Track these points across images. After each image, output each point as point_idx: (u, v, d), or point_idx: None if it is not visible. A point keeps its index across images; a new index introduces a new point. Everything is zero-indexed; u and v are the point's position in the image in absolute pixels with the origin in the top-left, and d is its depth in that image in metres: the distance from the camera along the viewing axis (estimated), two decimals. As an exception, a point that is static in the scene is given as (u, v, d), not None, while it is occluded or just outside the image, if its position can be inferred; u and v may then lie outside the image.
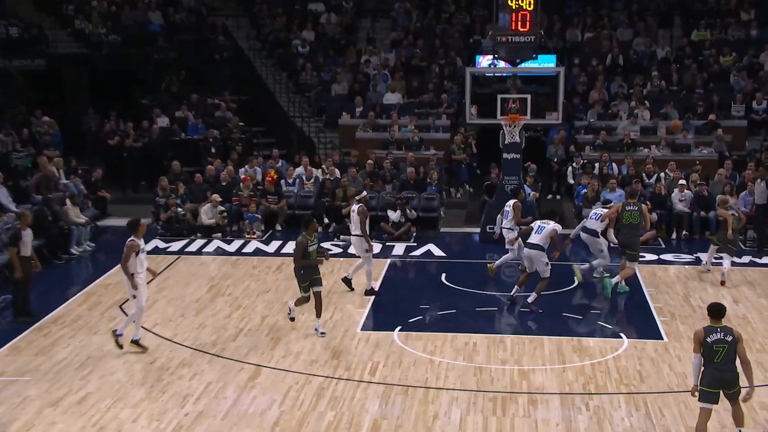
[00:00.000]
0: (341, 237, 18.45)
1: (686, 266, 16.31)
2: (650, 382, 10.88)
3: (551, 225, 13.87)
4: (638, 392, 10.60)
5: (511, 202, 15.48)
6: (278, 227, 19.57)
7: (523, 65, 18.94)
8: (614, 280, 14.51)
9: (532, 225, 14.31)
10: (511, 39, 18.04)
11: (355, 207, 14.51)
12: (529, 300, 13.77)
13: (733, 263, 16.22)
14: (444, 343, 12.36)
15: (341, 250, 17.63)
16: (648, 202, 18.36)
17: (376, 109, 24.32)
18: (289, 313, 12.86)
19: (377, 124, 23.78)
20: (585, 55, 26.58)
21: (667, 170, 20.07)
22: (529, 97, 17.97)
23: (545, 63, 24.30)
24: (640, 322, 13.42)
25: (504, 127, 17.88)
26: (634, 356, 11.78)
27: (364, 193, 15.54)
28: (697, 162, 20.40)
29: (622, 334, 12.62)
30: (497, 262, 15.65)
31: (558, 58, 25.11)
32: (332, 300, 14.33)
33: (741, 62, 25.40)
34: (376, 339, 12.54)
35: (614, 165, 20.72)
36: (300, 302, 12.71)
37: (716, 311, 9.01)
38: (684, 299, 14.27)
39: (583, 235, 15.33)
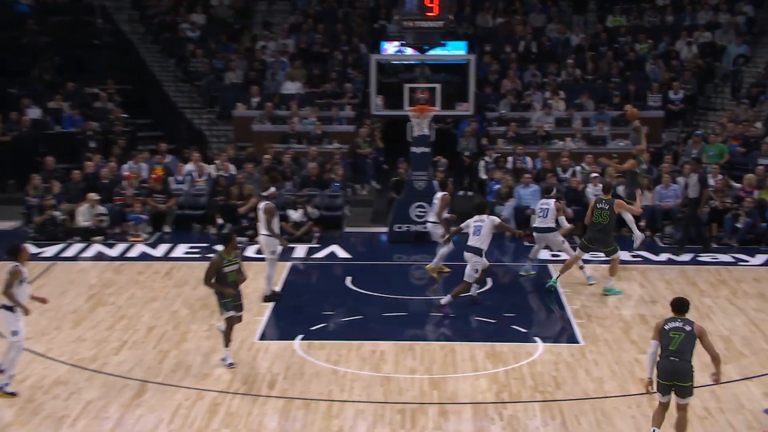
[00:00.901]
0: (237, 239, 18.23)
1: (603, 265, 16.73)
2: (566, 389, 11.12)
3: (487, 220, 14.02)
4: (554, 400, 10.82)
5: (440, 194, 15.59)
6: (167, 229, 19.25)
7: (431, 52, 19.10)
8: (609, 284, 14.76)
9: (462, 226, 14.38)
10: (419, 24, 18.16)
11: (262, 204, 14.46)
12: (442, 302, 13.90)
13: (650, 261, 16.80)
14: (349, 352, 12.36)
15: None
16: (562, 198, 18.81)
17: (274, 100, 24.15)
18: (219, 326, 12.02)
19: (275, 115, 23.63)
20: (497, 42, 27.03)
21: (583, 164, 20.59)
22: (438, 86, 18.15)
23: (455, 50, 24.59)
24: (555, 325, 13.73)
25: (412, 119, 18.01)
26: (549, 361, 12.03)
27: (273, 189, 15.45)
28: (614, 155, 20.98)
29: (537, 338, 12.87)
30: (434, 260, 15.62)
31: (468, 45, 25.46)
32: (227, 308, 14.18)
33: (657, 50, 26.28)
34: (275, 349, 12.46)
35: (528, 159, 21.14)
36: (229, 323, 11.82)
37: (679, 306, 9.42)
38: (601, 300, 14.65)
39: (538, 236, 15.49)
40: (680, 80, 24.78)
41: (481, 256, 13.84)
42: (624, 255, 17.26)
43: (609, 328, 13.22)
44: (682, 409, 9.35)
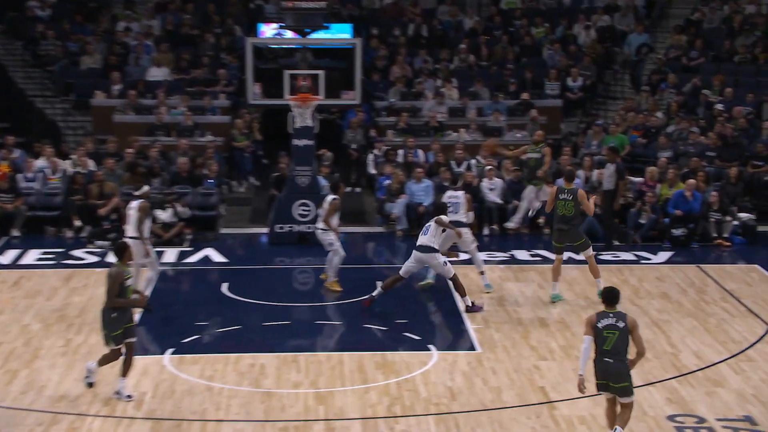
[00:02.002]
0: (97, 243, 17.89)
1: (500, 266, 17.06)
2: (462, 400, 11.27)
3: (433, 219, 14.21)
4: (449, 412, 10.95)
5: (329, 197, 15.38)
6: (15, 233, 18.72)
7: (313, 36, 19.11)
8: (601, 285, 14.75)
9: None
10: (299, 4, 18.14)
11: (135, 203, 14.30)
12: (468, 304, 14.31)
13: (550, 260, 17.21)
14: (226, 366, 12.24)
15: (98, 258, 17.15)
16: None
17: (138, 87, 23.74)
18: (88, 377, 11.24)
19: (140, 105, 23.22)
20: (384, 25, 27.23)
21: (478, 157, 20.93)
22: (321, 73, 18.16)
23: (339, 33, 24.68)
24: (450, 331, 13.91)
25: (293, 109, 17.96)
26: (444, 371, 12.17)
27: (146, 187, 15.16)
28: (511, 147, 21.41)
29: (431, 346, 13.00)
30: (330, 273, 15.39)
31: (354, 29, 25.57)
32: (86, 319, 13.88)
33: (554, 34, 26.96)
34: (142, 365, 12.22)
35: (420, 151, 21.37)
36: (106, 360, 11.20)
37: (610, 297, 9.72)
38: (498, 303, 14.93)
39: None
40: (579, 66, 25.48)
41: (436, 251, 14.20)
42: (522, 254, 17.72)
43: (507, 334, 13.48)
44: (624, 406, 9.76)
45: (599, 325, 9.62)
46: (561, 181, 15.50)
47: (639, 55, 26.15)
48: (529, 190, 18.67)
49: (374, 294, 14.48)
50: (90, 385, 11.24)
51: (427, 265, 14.63)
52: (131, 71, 24.77)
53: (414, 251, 14.44)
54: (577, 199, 14.55)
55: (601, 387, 9.71)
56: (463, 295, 14.40)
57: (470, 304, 14.32)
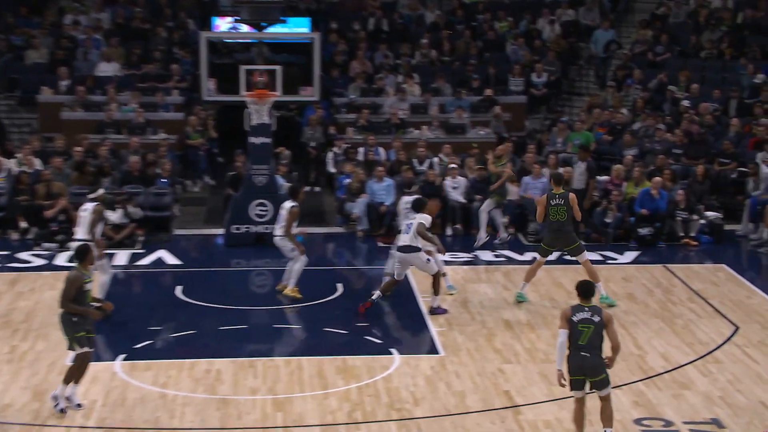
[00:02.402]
0: (44, 245, 17.74)
1: (464, 266, 17.13)
2: (425, 405, 11.30)
3: (417, 218, 14.13)
4: (412, 418, 10.97)
5: (288, 204, 14.97)
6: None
7: (270, 30, 19.07)
8: (603, 292, 14.76)
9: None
10: (255, -3, 18.12)
11: (89, 206, 14.20)
12: (434, 305, 14.29)
13: (515, 261, 17.33)
14: (180, 372, 12.18)
15: (45, 261, 17.04)
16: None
17: (87, 83, 23.57)
18: (57, 405, 10.88)
19: (89, 101, 23.07)
20: (344, 19, 27.24)
21: (440, 155, 20.99)
22: (278, 68, 18.11)
23: (297, 27, 24.64)
24: (413, 334, 13.93)
25: (249, 106, 17.89)
26: (407, 375, 12.20)
27: (102, 190, 15.00)
28: (474, 144, 21.52)
29: (393, 350, 13.02)
30: (290, 282, 15.12)
31: (312, 22, 25.55)
32: (32, 325, 13.79)
33: (517, 28, 27.12)
34: (92, 372, 12.08)
35: (381, 149, 21.39)
36: (73, 373, 11.01)
37: (585, 290, 9.89)
38: (462, 305, 14.97)
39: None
40: (543, 62, 25.65)
41: (418, 250, 14.20)
42: (486, 255, 17.79)
43: (471, 337, 13.53)
44: (604, 399, 9.91)
45: (574, 318, 9.75)
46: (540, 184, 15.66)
47: (607, 52, 26.31)
48: (487, 204, 18.63)
49: (373, 298, 14.39)
50: (61, 411, 10.86)
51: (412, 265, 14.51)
52: (79, 66, 24.57)
53: (396, 252, 14.40)
54: (569, 203, 14.49)
55: (575, 384, 9.82)
56: (436, 294, 14.42)
57: (436, 306, 14.35)
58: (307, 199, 21.31)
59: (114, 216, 18.02)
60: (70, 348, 11.02)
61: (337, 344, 13.45)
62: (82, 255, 11.16)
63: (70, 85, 23.48)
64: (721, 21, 26.39)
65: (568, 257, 17.54)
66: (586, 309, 9.80)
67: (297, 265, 15.01)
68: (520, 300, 14.95)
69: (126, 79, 24.20)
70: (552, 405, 11.29)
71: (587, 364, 9.73)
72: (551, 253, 15.20)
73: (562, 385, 9.87)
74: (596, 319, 9.75)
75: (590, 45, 26.81)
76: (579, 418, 9.96)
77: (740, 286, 16.16)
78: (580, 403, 9.92)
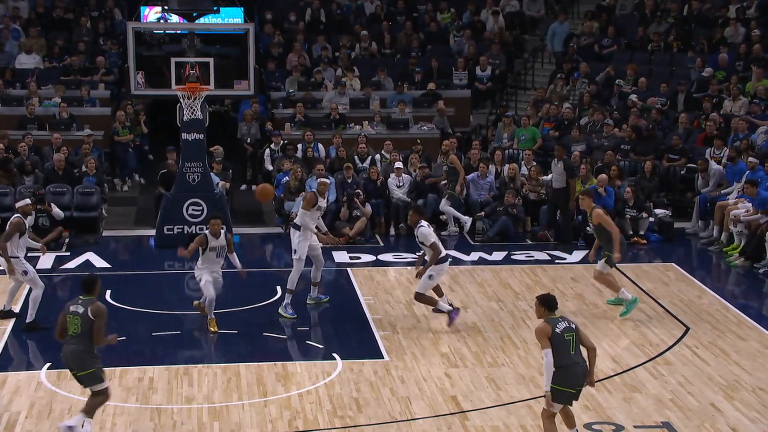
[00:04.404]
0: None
1: (408, 267, 17.19)
2: (369, 412, 11.35)
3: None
4: (355, 425, 11.02)
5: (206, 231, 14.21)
6: None
7: (201, 20, 18.95)
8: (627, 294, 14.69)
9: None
10: (186, -14, 18.01)
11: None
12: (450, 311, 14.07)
13: (461, 261, 17.46)
14: (110, 380, 11.98)
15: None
16: (360, 191, 19.19)
17: (6, 76, 23.25)
18: None
19: (8, 95, 22.85)
20: (279, 9, 27.22)
21: (382, 151, 21.06)
22: (211, 61, 18.03)
23: (230, 18, 24.53)
24: (356, 338, 13.95)
25: (181, 100, 17.78)
26: (350, 381, 12.24)
27: (28, 201, 14.50)
28: (418, 140, 21.62)
29: (335, 355, 13.05)
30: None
31: (246, 12, 25.39)
32: (-48, 334, 13.57)
33: (461, 20, 27.28)
34: (15, 382, 12.05)
35: (320, 146, 21.38)
36: (95, 405, 10.58)
37: (551, 302, 10.04)
38: (407, 307, 15.04)
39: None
40: (487, 55, 25.83)
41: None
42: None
43: (416, 340, 13.60)
44: (569, 411, 10.10)
45: (557, 330, 9.79)
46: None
47: (567, 47, 26.31)
48: (444, 201, 19.04)
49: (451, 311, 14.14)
50: None
51: None
52: (-3, 58, 24.25)
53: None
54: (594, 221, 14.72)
55: (572, 396, 9.93)
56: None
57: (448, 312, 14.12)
58: (245, 199, 21.36)
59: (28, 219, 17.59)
60: (91, 385, 10.50)
61: (276, 349, 13.45)
62: (92, 285, 10.65)
63: (-12, 78, 23.14)
64: (668, 13, 26.81)
65: (514, 257, 17.82)
66: (561, 319, 9.92)
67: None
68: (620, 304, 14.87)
69: (48, 72, 23.92)
70: (500, 410, 11.41)
71: (580, 372, 9.86)
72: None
73: (554, 411, 9.94)
74: (573, 326, 9.92)
75: (545, 40, 27.00)
76: (569, 418, 10.12)
77: (690, 285, 16.46)
78: (555, 416, 10.01)
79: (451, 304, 14.19)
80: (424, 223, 14.17)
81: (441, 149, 19.41)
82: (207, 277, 13.69)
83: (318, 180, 15.32)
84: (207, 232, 13.88)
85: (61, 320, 10.59)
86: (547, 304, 10.04)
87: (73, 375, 10.60)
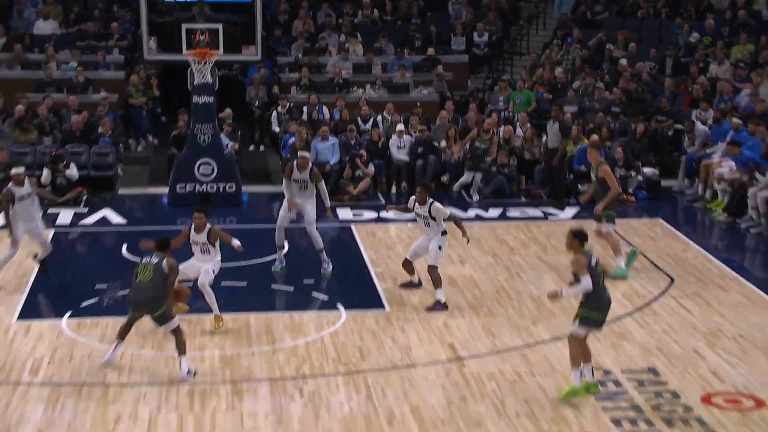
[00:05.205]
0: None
1: (408, 224, 17.22)
2: (371, 360, 11.43)
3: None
4: (358, 371, 11.10)
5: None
6: None
7: (211, -12, 18.82)
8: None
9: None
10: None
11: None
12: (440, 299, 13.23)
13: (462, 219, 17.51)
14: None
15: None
16: (363, 152, 19.20)
17: (25, 41, 23.10)
18: (187, 375, 10.86)
19: (27, 59, 22.72)
20: (286, -22, 26.95)
21: (384, 113, 21.02)
22: (220, 27, 17.94)
23: (238, -15, 24.32)
24: (359, 290, 14.01)
25: (192, 65, 17.72)
26: (353, 330, 12.31)
27: (21, 169, 14.09)
28: (418, 104, 21.56)
29: (339, 306, 13.12)
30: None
31: (254, -19, 25.22)
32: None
33: (458, -15, 27.12)
34: (38, 330, 12.10)
35: (325, 109, 21.34)
36: (182, 342, 10.98)
37: (584, 236, 10.44)
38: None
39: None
40: (484, 21, 25.70)
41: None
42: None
43: (416, 292, 13.65)
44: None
45: (592, 263, 10.20)
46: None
47: (575, 14, 26.14)
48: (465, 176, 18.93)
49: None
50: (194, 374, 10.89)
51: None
52: (16, 24, 24.12)
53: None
54: (598, 174, 14.43)
55: (599, 323, 10.39)
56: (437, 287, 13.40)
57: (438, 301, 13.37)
58: (253, 159, 21.37)
59: (44, 175, 17.61)
60: (165, 322, 10.92)
61: (284, 301, 13.53)
62: (166, 246, 11.20)
63: (7, 44, 23.03)
64: (658, -19, 26.63)
65: (510, 214, 17.87)
66: (591, 252, 10.35)
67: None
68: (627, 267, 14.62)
69: (64, 37, 23.79)
70: (495, 357, 11.50)
71: (608, 301, 10.38)
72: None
73: (557, 296, 10.49)
74: (597, 257, 10.39)
75: (554, 9, 26.78)
76: (581, 352, 10.40)
77: (676, 240, 16.51)
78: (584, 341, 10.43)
79: (439, 300, 13.20)
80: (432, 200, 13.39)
81: (485, 127, 19.20)
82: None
83: (299, 153, 14.60)
84: (191, 226, 12.44)
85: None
86: (580, 237, 10.41)
87: (149, 316, 10.97)
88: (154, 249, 11.13)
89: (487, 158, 18.99)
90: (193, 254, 12.55)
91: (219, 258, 12.53)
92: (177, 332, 10.93)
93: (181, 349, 10.91)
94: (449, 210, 13.65)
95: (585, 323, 10.32)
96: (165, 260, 10.94)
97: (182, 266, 11.86)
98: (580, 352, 10.39)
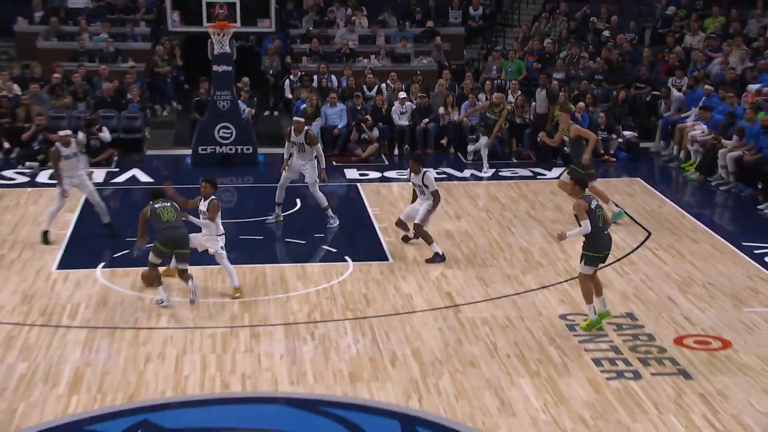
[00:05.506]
0: (27, 164, 17.49)
1: (407, 183, 17.17)
2: (376, 306, 11.47)
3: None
4: (364, 317, 11.15)
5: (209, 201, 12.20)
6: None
7: (229, -35, 18.57)
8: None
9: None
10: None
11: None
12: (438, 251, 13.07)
13: (455, 177, 17.46)
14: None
15: (28, 179, 16.83)
16: (368, 117, 19.13)
17: (60, 14, 22.93)
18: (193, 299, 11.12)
19: (62, 31, 22.54)
20: (297, -45, 26.64)
21: (387, 81, 20.89)
22: (237, 1, 17.77)
23: (255, -37, 24.07)
24: (365, 243, 14.01)
25: (212, 36, 17.60)
26: (359, 280, 12.34)
27: (68, 131, 13.98)
28: (418, 72, 21.42)
29: (347, 258, 13.14)
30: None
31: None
32: (18, 237, 13.73)
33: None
34: (75, 278, 12.14)
35: (333, 77, 21.21)
36: (185, 272, 11.29)
37: (584, 182, 10.87)
38: (407, 218, 15.00)
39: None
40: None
41: None
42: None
43: (416, 246, 13.66)
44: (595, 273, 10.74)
45: (592, 206, 10.34)
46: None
47: None
48: (482, 140, 18.60)
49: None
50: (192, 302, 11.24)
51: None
52: (51, -1, 23.93)
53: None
54: (571, 136, 14.38)
55: (601, 260, 10.55)
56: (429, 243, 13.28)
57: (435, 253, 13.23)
58: (267, 123, 21.29)
59: (80, 137, 17.48)
60: (187, 261, 11.41)
61: (296, 253, 13.54)
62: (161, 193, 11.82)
63: (44, 17, 22.86)
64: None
65: (501, 174, 17.82)
66: (591, 196, 10.54)
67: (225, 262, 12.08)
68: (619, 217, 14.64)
69: (96, 11, 23.62)
70: (488, 304, 11.53)
71: (608, 239, 10.51)
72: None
73: (563, 238, 10.64)
74: (599, 202, 10.55)
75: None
76: (591, 289, 10.59)
77: (653, 197, 16.48)
78: (592, 278, 10.61)
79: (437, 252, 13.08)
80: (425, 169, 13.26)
81: (494, 101, 18.69)
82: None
83: (294, 118, 14.49)
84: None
85: (143, 218, 11.49)
86: (581, 183, 10.61)
87: (174, 252, 11.41)
88: (161, 196, 11.73)
89: (495, 129, 18.55)
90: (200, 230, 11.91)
91: (221, 232, 11.83)
92: (186, 275, 11.28)
93: (187, 276, 11.28)
94: (435, 186, 13.19)
95: (589, 262, 10.52)
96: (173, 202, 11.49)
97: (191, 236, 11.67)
98: (590, 289, 10.59)
